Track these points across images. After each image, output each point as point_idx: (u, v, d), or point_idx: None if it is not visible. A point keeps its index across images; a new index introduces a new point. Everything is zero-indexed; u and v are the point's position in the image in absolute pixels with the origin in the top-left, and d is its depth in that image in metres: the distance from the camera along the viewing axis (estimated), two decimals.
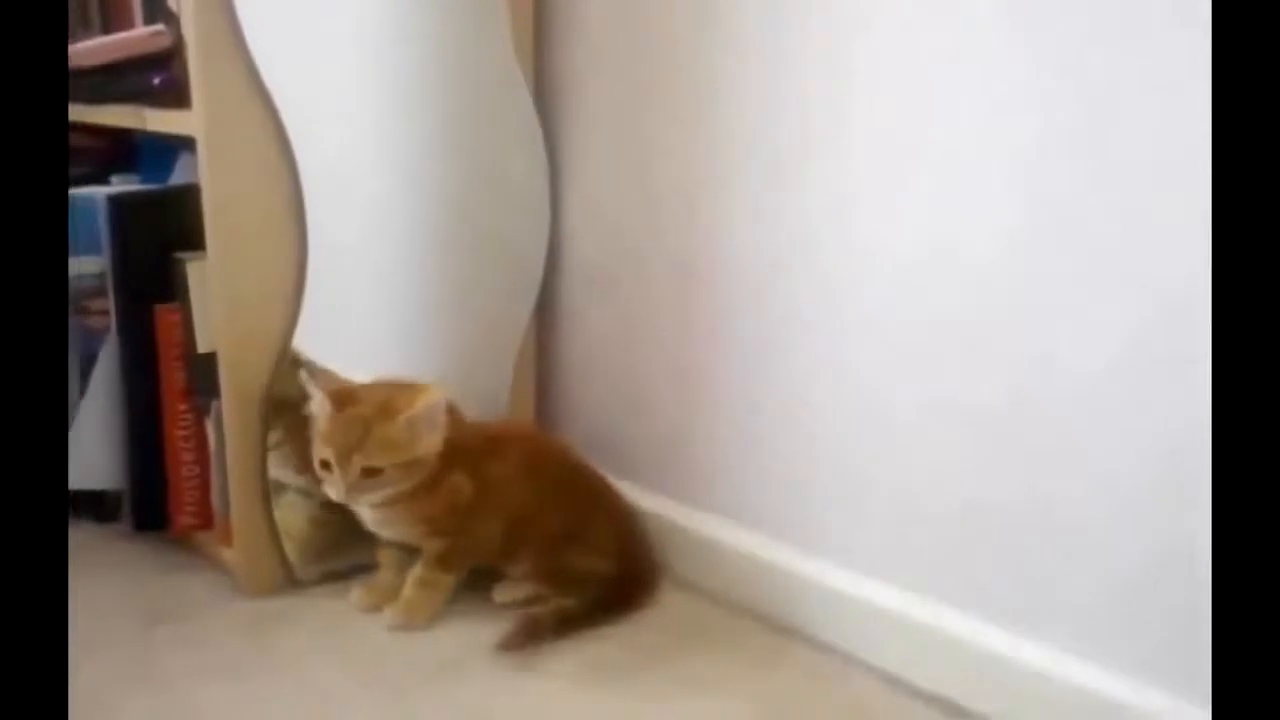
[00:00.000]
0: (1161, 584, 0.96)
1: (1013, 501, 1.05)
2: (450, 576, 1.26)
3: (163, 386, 1.34)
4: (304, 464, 1.25)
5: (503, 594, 1.29)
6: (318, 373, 1.22)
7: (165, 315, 1.32)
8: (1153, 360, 0.94)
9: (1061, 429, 1.01)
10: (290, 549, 1.30)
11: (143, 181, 1.43)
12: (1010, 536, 1.06)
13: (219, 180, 1.20)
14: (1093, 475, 0.99)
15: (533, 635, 1.19)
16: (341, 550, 1.35)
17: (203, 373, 1.29)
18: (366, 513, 1.23)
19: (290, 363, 1.26)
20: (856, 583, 1.18)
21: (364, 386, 1.21)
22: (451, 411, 1.23)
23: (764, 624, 1.25)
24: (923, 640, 1.12)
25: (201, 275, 1.26)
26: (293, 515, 1.30)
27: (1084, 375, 0.99)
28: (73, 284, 1.36)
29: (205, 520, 1.36)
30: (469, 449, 1.23)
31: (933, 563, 1.12)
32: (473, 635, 1.21)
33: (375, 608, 1.27)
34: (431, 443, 1.18)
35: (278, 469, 1.29)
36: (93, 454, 1.36)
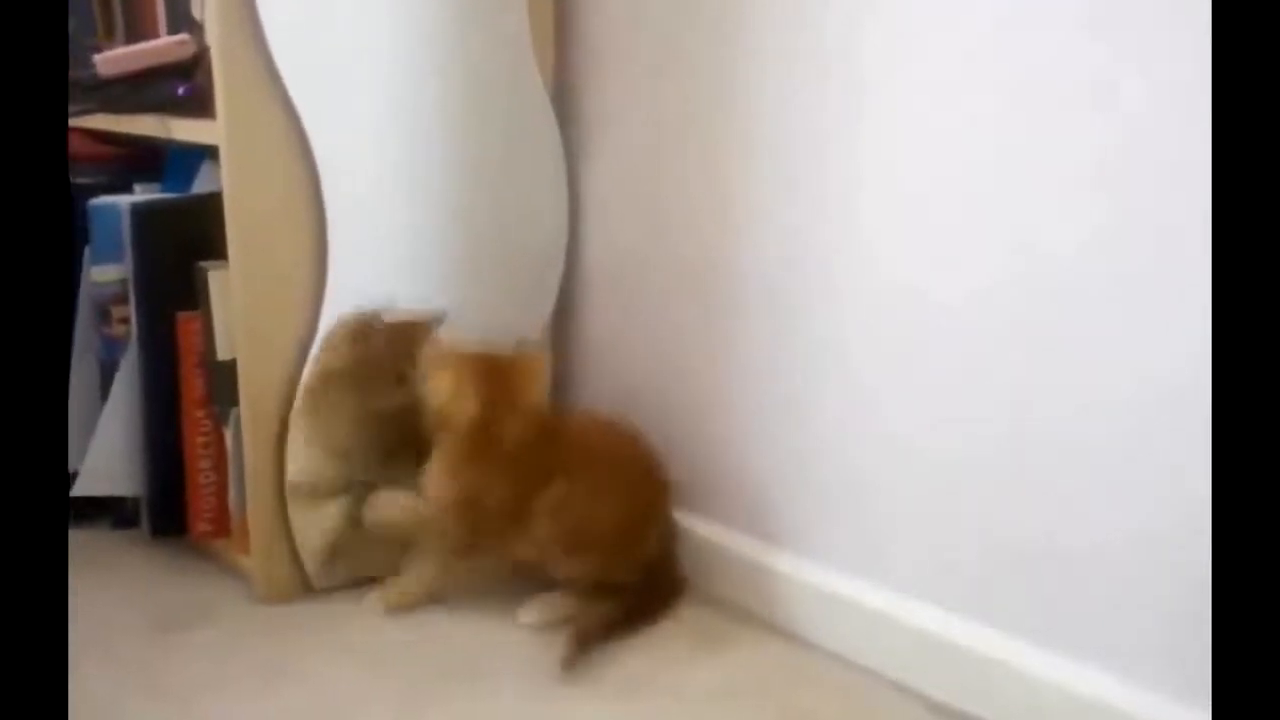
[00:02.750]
0: (1174, 594, 0.96)
1: (1029, 514, 1.05)
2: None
3: (182, 394, 1.34)
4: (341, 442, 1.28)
5: (528, 615, 1.27)
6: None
7: (186, 323, 1.32)
8: (1175, 375, 0.93)
9: (1077, 440, 1.01)
10: (307, 556, 1.31)
11: (165, 190, 1.44)
12: (1044, 560, 1.05)
13: (241, 189, 1.21)
14: (1106, 486, 0.99)
15: (585, 646, 1.19)
16: (358, 558, 1.35)
17: (222, 380, 1.29)
18: None
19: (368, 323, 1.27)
20: (874, 595, 1.18)
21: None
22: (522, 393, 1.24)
23: (779, 635, 1.25)
24: (940, 652, 1.11)
25: (223, 283, 1.27)
26: (311, 522, 1.30)
27: (1102, 387, 0.98)
28: (95, 291, 1.37)
29: (222, 527, 1.37)
30: (541, 461, 1.24)
31: (950, 575, 1.12)
32: (489, 642, 1.21)
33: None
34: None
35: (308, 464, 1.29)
36: (112, 460, 1.37)
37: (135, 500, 1.42)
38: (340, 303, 1.26)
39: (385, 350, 1.26)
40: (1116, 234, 0.96)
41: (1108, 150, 0.95)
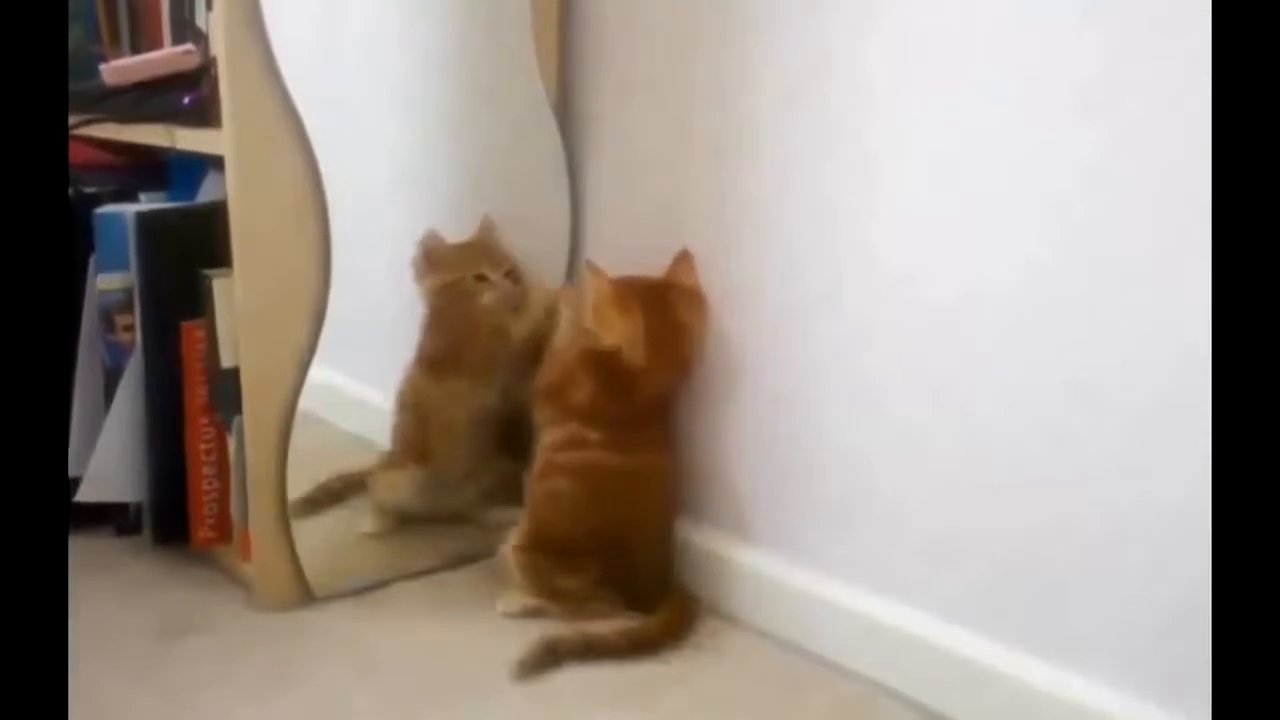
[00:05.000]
0: (1172, 600, 0.96)
1: (1045, 533, 1.05)
2: None
3: (186, 401, 1.35)
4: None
5: (505, 604, 1.30)
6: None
7: (190, 331, 1.33)
8: (1189, 387, 0.94)
9: (1095, 461, 1.01)
10: (309, 566, 1.31)
11: (170, 199, 1.45)
12: (1041, 567, 1.06)
13: (246, 198, 1.22)
14: (1127, 509, 0.99)
15: (550, 659, 1.19)
16: (361, 569, 1.36)
17: (225, 388, 1.30)
18: None
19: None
20: (884, 609, 1.18)
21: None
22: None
23: (789, 649, 1.25)
24: (950, 668, 1.12)
25: (227, 292, 1.27)
26: (321, 531, 1.31)
27: (1120, 406, 0.99)
28: (100, 299, 1.38)
29: (224, 534, 1.38)
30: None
31: (962, 591, 1.12)
32: (490, 651, 1.21)
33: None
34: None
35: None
36: (116, 467, 1.38)
37: (138, 507, 1.43)
38: (343, 311, 1.27)
39: (457, 257, 1.37)
40: (1116, 233, 0.96)
41: (1108, 150, 0.96)
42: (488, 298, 1.37)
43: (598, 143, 1.42)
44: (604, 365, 1.27)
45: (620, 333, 1.26)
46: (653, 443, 1.30)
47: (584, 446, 1.27)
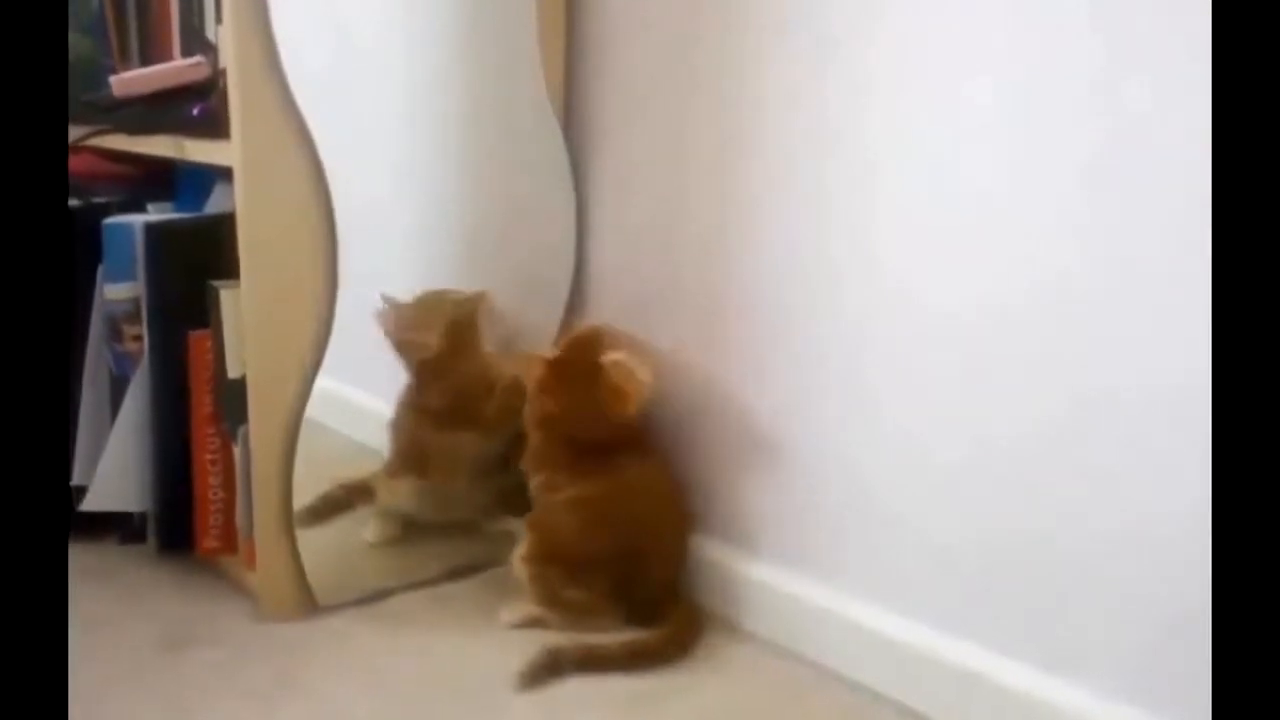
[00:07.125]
0: (1173, 604, 0.96)
1: (1046, 543, 1.04)
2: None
3: (192, 410, 1.35)
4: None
5: (510, 614, 1.30)
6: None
7: (197, 341, 1.34)
8: (1191, 391, 0.93)
9: (1096, 466, 1.00)
10: (313, 575, 1.31)
11: (178, 209, 1.46)
12: (1043, 577, 1.05)
13: (254, 209, 1.22)
14: (1128, 515, 0.99)
15: (553, 670, 1.19)
16: (365, 578, 1.36)
17: (232, 397, 1.30)
18: None
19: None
20: (885, 618, 1.17)
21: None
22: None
23: (792, 659, 1.25)
24: (951, 677, 1.11)
25: (234, 302, 1.28)
26: (325, 540, 1.31)
27: (1121, 415, 0.98)
28: (108, 309, 1.39)
29: (229, 543, 1.38)
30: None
31: (965, 602, 1.12)
32: (493, 661, 1.21)
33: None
34: None
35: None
36: (122, 476, 1.38)
37: (142, 515, 1.43)
38: (349, 320, 1.27)
39: (415, 317, 1.37)
40: (1117, 235, 0.96)
41: (1108, 152, 0.96)
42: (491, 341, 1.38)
43: (600, 146, 1.43)
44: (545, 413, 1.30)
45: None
46: (632, 462, 1.30)
47: (560, 488, 1.29)
